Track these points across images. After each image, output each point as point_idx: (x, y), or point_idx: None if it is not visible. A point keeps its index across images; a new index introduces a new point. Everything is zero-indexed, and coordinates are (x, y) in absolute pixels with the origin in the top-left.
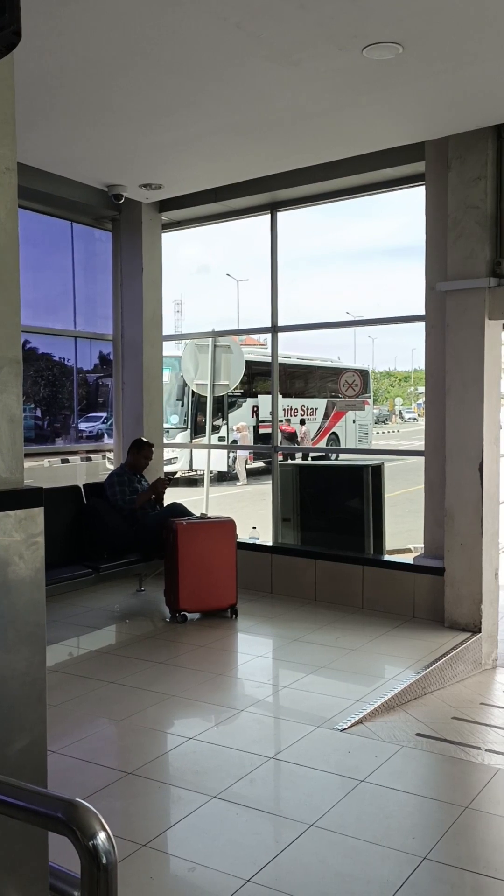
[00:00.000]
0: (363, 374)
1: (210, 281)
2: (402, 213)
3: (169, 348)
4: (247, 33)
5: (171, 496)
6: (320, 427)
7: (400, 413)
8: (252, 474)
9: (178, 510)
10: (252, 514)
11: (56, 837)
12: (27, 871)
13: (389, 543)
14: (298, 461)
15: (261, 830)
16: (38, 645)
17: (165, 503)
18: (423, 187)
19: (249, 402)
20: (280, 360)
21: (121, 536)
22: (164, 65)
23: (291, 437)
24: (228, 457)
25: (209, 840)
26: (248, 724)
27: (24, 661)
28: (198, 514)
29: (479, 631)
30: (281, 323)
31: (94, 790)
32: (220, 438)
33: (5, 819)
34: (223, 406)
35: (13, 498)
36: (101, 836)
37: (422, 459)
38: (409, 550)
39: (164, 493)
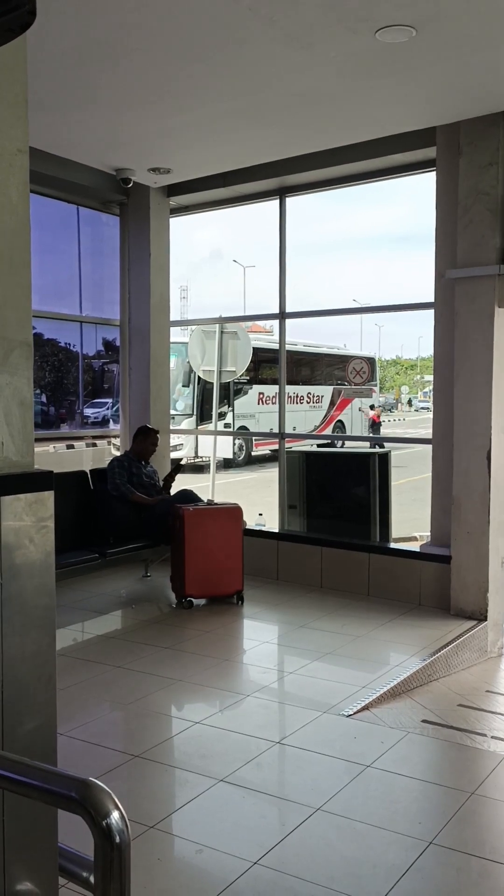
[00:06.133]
0: (370, 361)
1: (216, 267)
2: (411, 199)
3: (175, 334)
4: (259, 16)
5: (177, 482)
6: (326, 415)
7: (409, 401)
8: (258, 461)
9: (188, 496)
10: (258, 500)
11: (64, 820)
12: (36, 852)
13: (395, 531)
14: (305, 448)
15: (267, 814)
16: (48, 628)
17: (174, 490)
18: (434, 173)
19: (255, 388)
20: (287, 347)
21: (127, 522)
22: (176, 47)
23: (376, 426)
24: (234, 444)
25: (216, 823)
26: (254, 709)
27: (34, 643)
28: (205, 501)
29: (486, 619)
30: (288, 310)
31: (101, 772)
32: (226, 425)
33: (14, 799)
34: (229, 393)
35: (24, 481)
36: (115, 815)
37: (428, 448)
38: (414, 538)
39: (173, 480)
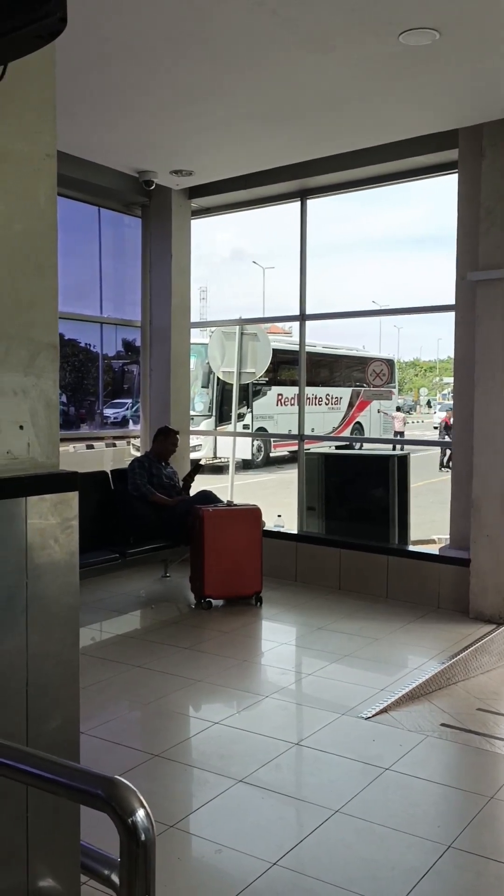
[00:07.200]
0: (389, 363)
1: (236, 268)
2: (431, 201)
3: (194, 335)
4: (283, 19)
5: (197, 483)
6: (344, 416)
7: (428, 403)
8: (276, 462)
9: (208, 497)
10: (277, 502)
11: (85, 818)
12: (59, 849)
13: (413, 534)
14: (324, 450)
15: (286, 815)
16: (72, 627)
17: (193, 491)
18: (456, 176)
19: (274, 389)
20: (306, 348)
21: (147, 522)
22: (200, 51)
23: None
24: (253, 445)
25: (235, 823)
26: (272, 710)
27: (58, 642)
28: (224, 502)
29: None
30: (307, 311)
31: (121, 771)
32: (245, 426)
33: (38, 797)
34: (248, 394)
35: (50, 482)
36: (141, 813)
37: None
38: (432, 541)
39: (192, 481)
